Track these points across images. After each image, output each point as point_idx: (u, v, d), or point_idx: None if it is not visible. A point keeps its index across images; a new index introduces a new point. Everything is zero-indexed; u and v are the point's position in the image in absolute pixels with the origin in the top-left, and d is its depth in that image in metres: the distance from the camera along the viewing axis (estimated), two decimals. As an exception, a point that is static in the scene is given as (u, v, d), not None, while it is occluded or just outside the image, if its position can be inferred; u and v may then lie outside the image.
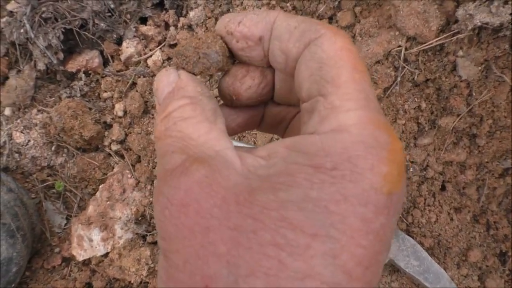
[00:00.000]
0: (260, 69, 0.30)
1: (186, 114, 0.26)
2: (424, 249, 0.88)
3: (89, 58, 0.90)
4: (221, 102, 0.32)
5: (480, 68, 0.76)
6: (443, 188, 0.92)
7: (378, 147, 0.22)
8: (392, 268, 0.89)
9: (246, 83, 0.30)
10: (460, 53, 0.75)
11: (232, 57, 0.29)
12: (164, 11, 0.92)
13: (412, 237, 0.88)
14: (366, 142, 0.22)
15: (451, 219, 0.92)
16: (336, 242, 0.21)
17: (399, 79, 0.78)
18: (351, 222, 0.21)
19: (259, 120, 0.34)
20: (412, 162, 0.86)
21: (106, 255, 0.90)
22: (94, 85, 0.93)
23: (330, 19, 0.79)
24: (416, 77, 0.79)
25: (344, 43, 0.25)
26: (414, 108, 0.81)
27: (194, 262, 0.22)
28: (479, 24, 0.71)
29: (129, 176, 0.90)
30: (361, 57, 0.23)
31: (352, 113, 0.23)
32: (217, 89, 0.32)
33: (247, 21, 0.28)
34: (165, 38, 0.91)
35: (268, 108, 0.34)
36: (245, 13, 0.29)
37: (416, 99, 0.80)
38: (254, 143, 0.86)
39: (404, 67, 0.76)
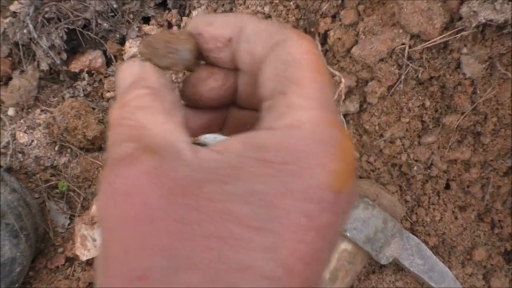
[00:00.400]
0: (224, 71, 0.30)
1: (144, 103, 0.26)
2: (428, 248, 0.88)
3: (92, 58, 0.90)
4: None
5: (484, 65, 0.76)
6: (447, 186, 0.92)
7: (329, 145, 0.23)
8: (396, 267, 0.89)
9: (209, 85, 0.30)
10: (464, 50, 0.75)
11: (199, 59, 0.29)
12: (167, 11, 0.92)
13: (417, 236, 0.87)
14: (317, 139, 0.23)
15: (456, 218, 0.91)
16: (279, 236, 0.21)
17: (403, 77, 0.78)
18: (295, 217, 0.21)
19: (221, 123, 0.35)
20: (416, 161, 0.86)
21: (109, 255, 0.90)
22: (97, 85, 0.93)
23: (334, 17, 0.79)
24: (420, 75, 0.78)
25: (309, 47, 0.26)
26: (418, 106, 0.81)
27: (135, 253, 0.21)
28: (483, 21, 0.71)
29: (133, 175, 0.90)
30: (323, 61, 0.24)
31: (308, 111, 0.23)
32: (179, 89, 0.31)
33: (217, 22, 0.29)
34: (168, 37, 0.91)
35: (231, 112, 0.34)
36: (215, 15, 0.30)
37: (420, 97, 0.80)
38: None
39: (408, 65, 0.76)
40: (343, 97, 0.79)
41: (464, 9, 0.72)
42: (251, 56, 0.28)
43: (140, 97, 0.26)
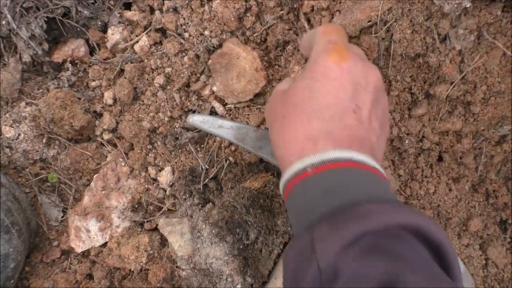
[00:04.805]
0: None
1: None
2: (424, 221, 0.88)
3: (75, 47, 0.89)
4: None
5: (473, 36, 0.75)
6: (440, 158, 0.91)
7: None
8: (393, 242, 0.88)
9: None
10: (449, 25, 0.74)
11: None
12: (148, -5, 0.90)
13: (411, 210, 0.87)
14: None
15: (450, 190, 0.91)
16: None
17: (392, 47, 0.76)
18: None
19: None
20: (407, 134, 0.85)
21: (104, 245, 0.89)
22: (82, 74, 0.91)
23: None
24: (404, 49, 0.77)
25: None
26: (406, 79, 0.80)
27: None
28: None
29: (123, 164, 0.89)
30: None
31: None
32: None
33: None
34: (151, 22, 0.89)
35: None
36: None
37: (408, 68, 0.79)
38: (247, 123, 0.85)
39: (392, 35, 0.75)
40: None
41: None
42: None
43: None
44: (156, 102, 0.87)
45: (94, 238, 0.88)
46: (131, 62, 0.87)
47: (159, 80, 0.86)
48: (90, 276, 0.93)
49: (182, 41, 0.86)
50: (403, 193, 0.88)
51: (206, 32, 0.84)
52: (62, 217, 0.95)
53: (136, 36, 0.89)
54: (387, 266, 0.38)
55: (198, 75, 0.86)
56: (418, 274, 0.38)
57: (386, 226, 0.40)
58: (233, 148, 0.86)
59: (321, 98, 0.50)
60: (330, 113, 0.49)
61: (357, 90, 0.51)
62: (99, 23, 0.89)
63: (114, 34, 0.89)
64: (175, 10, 0.87)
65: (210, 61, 0.84)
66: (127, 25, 0.90)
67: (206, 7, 0.84)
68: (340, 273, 0.38)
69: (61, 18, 0.85)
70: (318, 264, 0.39)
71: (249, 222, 0.74)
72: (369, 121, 0.51)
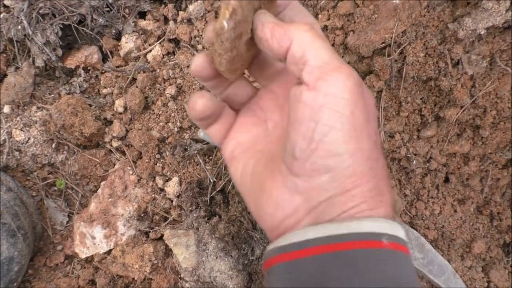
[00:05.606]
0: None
1: None
2: (428, 241, 0.88)
3: (88, 54, 0.89)
4: None
5: (486, 62, 0.76)
6: (446, 180, 0.92)
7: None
8: (396, 261, 0.88)
9: None
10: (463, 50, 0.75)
11: None
12: (163, 5, 0.90)
13: (416, 230, 0.87)
14: None
15: (455, 211, 0.91)
16: None
17: (404, 69, 0.77)
18: None
19: None
20: (415, 155, 0.86)
21: (109, 252, 0.89)
22: (94, 81, 0.92)
23: (334, 8, 0.78)
24: (416, 72, 0.78)
25: None
26: (417, 100, 0.81)
27: None
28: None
29: (131, 172, 0.89)
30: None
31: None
32: None
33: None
34: (165, 32, 0.89)
35: None
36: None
37: (419, 91, 0.80)
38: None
39: (405, 57, 0.75)
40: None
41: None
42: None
43: None
44: (167, 112, 0.87)
45: (98, 245, 0.88)
46: (144, 72, 0.88)
47: (171, 90, 0.86)
48: (92, 282, 0.93)
49: (195, 52, 0.86)
50: (408, 213, 0.89)
51: (220, 45, 0.84)
52: (67, 222, 0.96)
53: (150, 45, 0.90)
54: None
55: (209, 87, 0.86)
56: None
57: None
58: (241, 161, 0.86)
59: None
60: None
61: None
62: (113, 31, 0.90)
63: (128, 43, 0.90)
64: (189, 21, 0.88)
65: (222, 74, 0.85)
66: (141, 34, 0.91)
67: (221, 20, 0.84)
68: None
69: (76, 25, 0.85)
70: None
71: (255, 238, 0.75)
72: None
